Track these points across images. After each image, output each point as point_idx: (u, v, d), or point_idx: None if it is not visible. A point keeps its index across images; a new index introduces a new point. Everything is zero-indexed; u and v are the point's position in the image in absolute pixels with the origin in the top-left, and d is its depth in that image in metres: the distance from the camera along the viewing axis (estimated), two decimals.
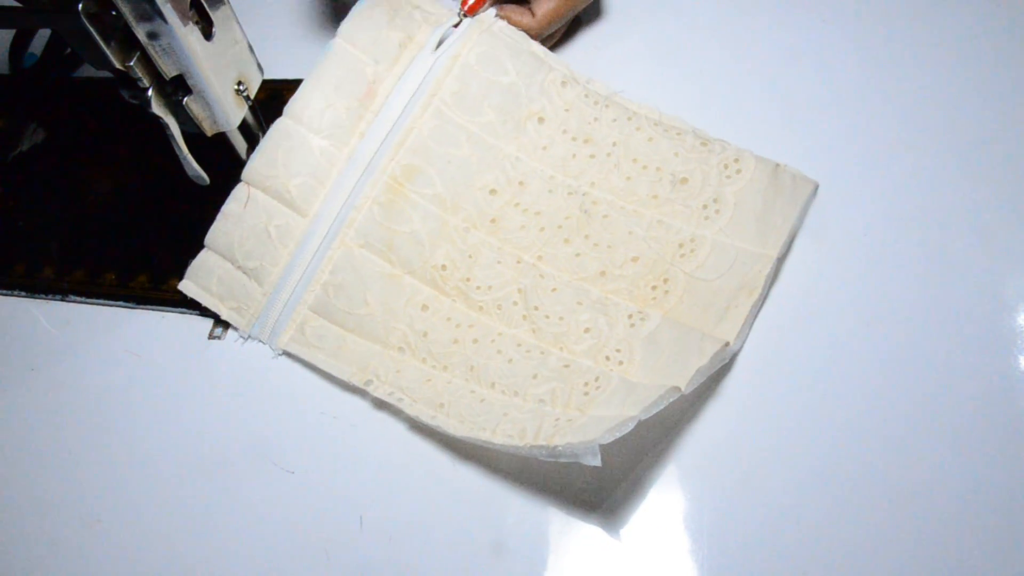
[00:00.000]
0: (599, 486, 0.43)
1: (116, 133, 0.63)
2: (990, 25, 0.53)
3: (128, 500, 0.47)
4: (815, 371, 0.44)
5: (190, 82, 0.46)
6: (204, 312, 0.52)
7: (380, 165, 0.51)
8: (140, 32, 0.43)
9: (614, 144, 0.51)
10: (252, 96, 0.49)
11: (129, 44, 0.44)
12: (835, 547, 0.39)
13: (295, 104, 0.51)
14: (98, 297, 0.55)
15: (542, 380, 0.44)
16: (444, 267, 0.49)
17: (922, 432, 0.41)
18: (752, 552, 0.40)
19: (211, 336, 0.52)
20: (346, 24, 0.52)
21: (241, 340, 0.51)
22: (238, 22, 0.48)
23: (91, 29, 0.42)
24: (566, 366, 0.45)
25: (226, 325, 0.52)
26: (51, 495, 0.48)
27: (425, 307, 0.48)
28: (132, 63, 0.44)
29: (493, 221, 0.50)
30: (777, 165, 0.48)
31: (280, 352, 0.50)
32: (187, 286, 0.51)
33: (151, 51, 0.44)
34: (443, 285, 0.49)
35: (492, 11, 0.54)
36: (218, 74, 0.46)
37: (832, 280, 0.46)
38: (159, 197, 0.59)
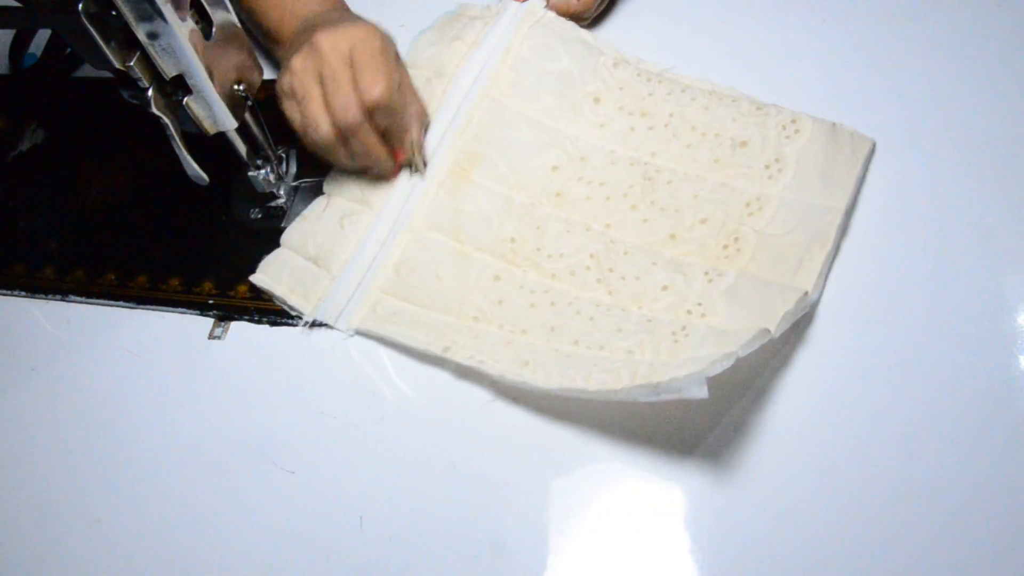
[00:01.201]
0: (599, 486, 0.43)
1: (116, 133, 0.63)
2: (991, 26, 0.53)
3: (128, 500, 0.47)
4: (815, 372, 0.44)
5: (190, 82, 0.46)
6: (204, 312, 0.53)
7: (442, 153, 0.53)
8: (140, 32, 0.43)
9: (671, 115, 0.52)
10: (252, 96, 0.49)
11: (129, 44, 0.44)
12: (835, 546, 0.39)
13: None
14: (98, 297, 0.55)
15: (627, 334, 0.45)
16: (513, 240, 0.50)
17: (922, 432, 0.41)
18: (752, 552, 0.40)
19: (211, 336, 0.52)
20: (408, 54, 0.56)
21: (306, 327, 0.50)
22: (238, 22, 0.48)
23: (91, 29, 0.42)
24: (649, 320, 0.45)
25: (227, 325, 0.52)
26: (51, 495, 0.48)
27: (497, 278, 0.49)
28: (132, 63, 0.44)
29: (558, 195, 0.51)
30: (834, 124, 0.49)
31: (352, 333, 0.49)
32: (258, 278, 0.52)
33: (151, 51, 0.44)
34: (513, 257, 0.49)
35: (541, 1, 0.56)
36: (218, 74, 0.46)
37: (833, 281, 0.46)
38: (159, 197, 0.59)
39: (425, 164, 0.53)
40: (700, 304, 0.45)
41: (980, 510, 0.39)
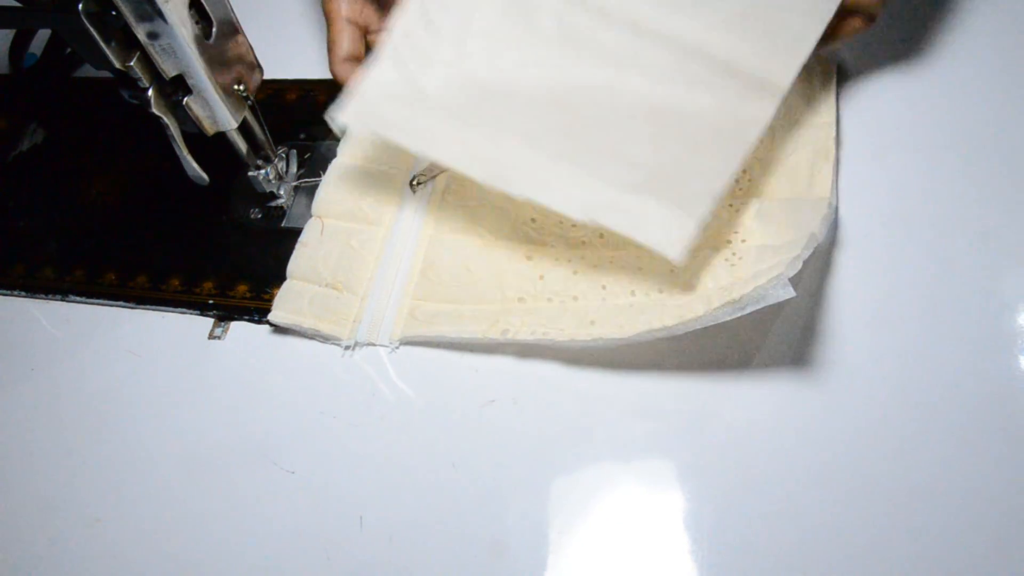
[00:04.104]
0: (599, 486, 0.43)
1: (116, 133, 0.64)
2: (991, 25, 0.53)
3: (128, 500, 0.47)
4: (816, 371, 0.44)
5: (190, 82, 0.46)
6: (204, 312, 0.53)
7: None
8: (140, 32, 0.43)
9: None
10: (252, 96, 0.49)
11: (129, 44, 0.44)
12: (835, 547, 0.39)
13: (346, 146, 0.55)
14: (98, 297, 0.55)
15: (681, 271, 0.45)
16: (534, 220, 0.50)
17: (922, 432, 0.41)
18: (752, 552, 0.40)
19: (211, 336, 0.52)
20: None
21: (348, 352, 0.49)
22: (238, 22, 0.48)
23: (91, 29, 0.42)
24: (696, 256, 0.46)
25: (227, 325, 0.52)
26: (51, 495, 0.48)
27: (529, 257, 0.49)
28: (132, 63, 0.44)
29: None
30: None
31: (397, 345, 0.49)
32: (278, 316, 0.50)
33: (151, 51, 0.44)
34: (538, 237, 0.50)
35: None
36: (218, 74, 0.46)
37: (833, 281, 0.46)
38: (159, 197, 0.59)
39: (419, 183, 0.53)
40: (736, 232, 0.46)
41: (980, 510, 0.39)
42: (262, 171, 0.53)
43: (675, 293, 0.45)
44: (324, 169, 0.55)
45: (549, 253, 0.49)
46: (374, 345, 0.49)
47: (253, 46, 0.49)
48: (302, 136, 0.58)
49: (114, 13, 0.42)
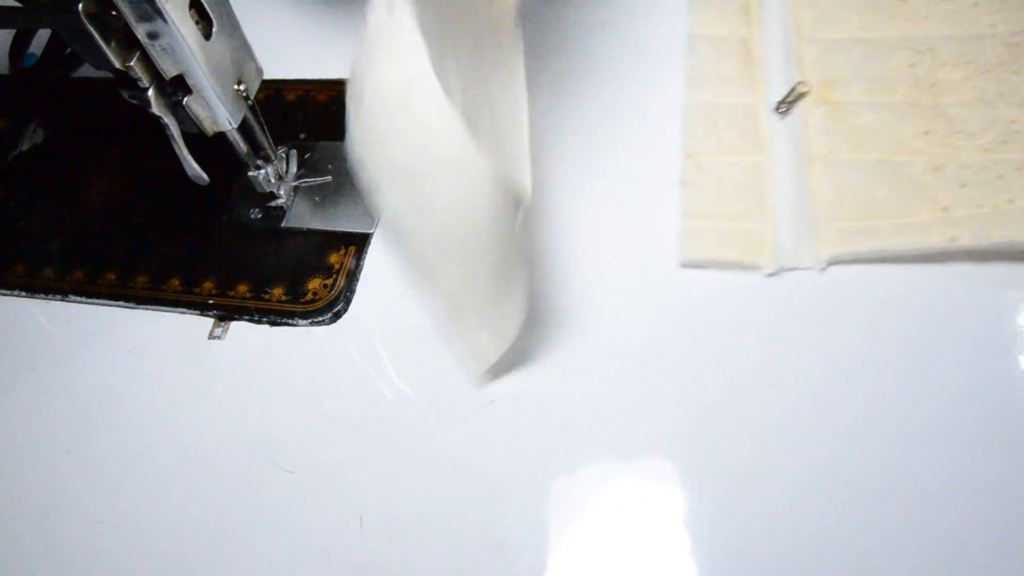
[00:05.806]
0: (599, 485, 0.43)
1: (116, 133, 0.64)
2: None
3: (128, 500, 0.47)
4: (814, 371, 0.44)
5: (190, 82, 0.46)
6: (204, 312, 0.53)
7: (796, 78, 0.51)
8: (140, 32, 0.43)
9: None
10: (252, 96, 0.49)
11: (129, 44, 0.44)
12: (836, 548, 0.39)
13: (693, 82, 0.53)
14: (98, 297, 0.55)
15: None
16: (927, 133, 0.47)
17: (922, 433, 0.41)
18: (752, 552, 0.40)
19: (211, 336, 0.52)
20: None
21: (772, 277, 0.47)
22: (238, 22, 0.48)
23: (91, 29, 0.42)
24: None
25: (227, 325, 0.52)
26: (51, 495, 0.48)
27: (937, 168, 0.46)
28: (132, 63, 0.44)
29: (934, 85, 0.49)
30: None
31: (824, 266, 0.46)
32: (690, 254, 0.47)
33: (151, 51, 0.44)
34: (937, 149, 0.47)
35: None
36: (218, 74, 0.46)
37: (832, 281, 0.46)
38: (159, 197, 0.59)
39: (785, 109, 0.51)
40: None
41: (980, 511, 0.39)
42: (262, 171, 0.53)
43: None
44: (324, 170, 0.55)
45: (960, 160, 0.46)
46: (798, 269, 0.47)
47: (253, 46, 0.49)
48: (302, 136, 0.58)
49: (114, 13, 0.42)
